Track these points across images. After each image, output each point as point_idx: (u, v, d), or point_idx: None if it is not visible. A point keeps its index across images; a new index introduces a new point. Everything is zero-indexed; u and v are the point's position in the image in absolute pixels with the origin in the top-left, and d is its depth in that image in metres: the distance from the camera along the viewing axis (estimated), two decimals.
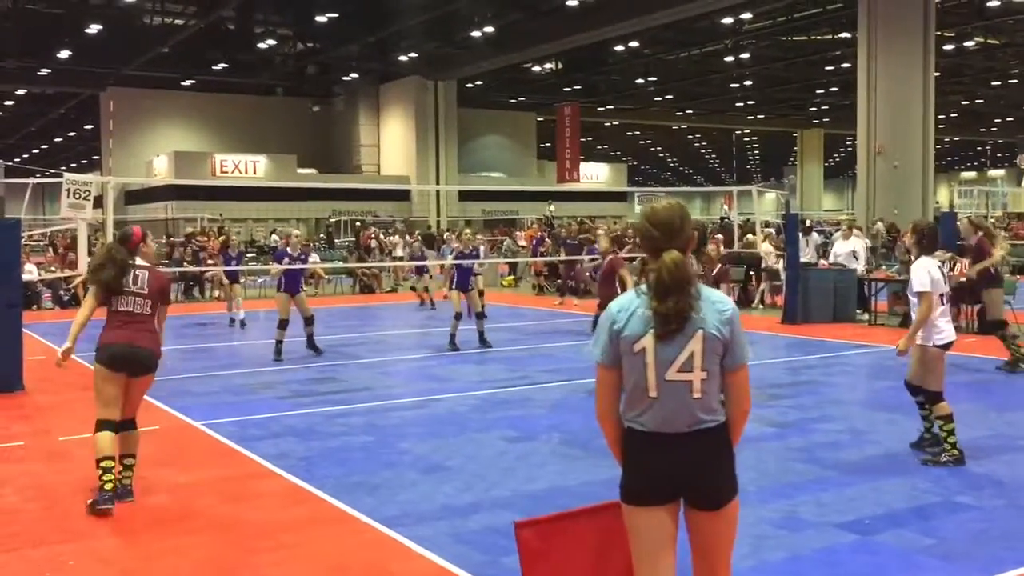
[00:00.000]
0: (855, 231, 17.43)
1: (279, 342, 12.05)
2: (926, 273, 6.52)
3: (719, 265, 16.50)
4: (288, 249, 12.61)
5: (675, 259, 2.94)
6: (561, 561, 3.18)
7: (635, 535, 3.05)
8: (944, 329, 6.60)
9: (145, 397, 6.38)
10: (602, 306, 10.04)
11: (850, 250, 16.26)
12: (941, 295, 6.58)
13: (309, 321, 12.32)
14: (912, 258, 7.04)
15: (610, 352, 3.01)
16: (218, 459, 7.10)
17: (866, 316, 15.47)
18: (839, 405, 8.87)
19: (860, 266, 16.12)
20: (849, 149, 61.25)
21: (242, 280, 18.20)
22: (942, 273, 6.63)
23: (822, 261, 17.93)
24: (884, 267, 17.53)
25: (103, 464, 5.62)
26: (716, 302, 2.99)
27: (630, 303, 3.01)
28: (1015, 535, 5.15)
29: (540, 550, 3.17)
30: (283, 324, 12.08)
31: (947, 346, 6.64)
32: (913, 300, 6.70)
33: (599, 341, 3.05)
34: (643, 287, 3.01)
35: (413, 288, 21.13)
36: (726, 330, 2.96)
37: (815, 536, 5.14)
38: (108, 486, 5.59)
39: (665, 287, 2.92)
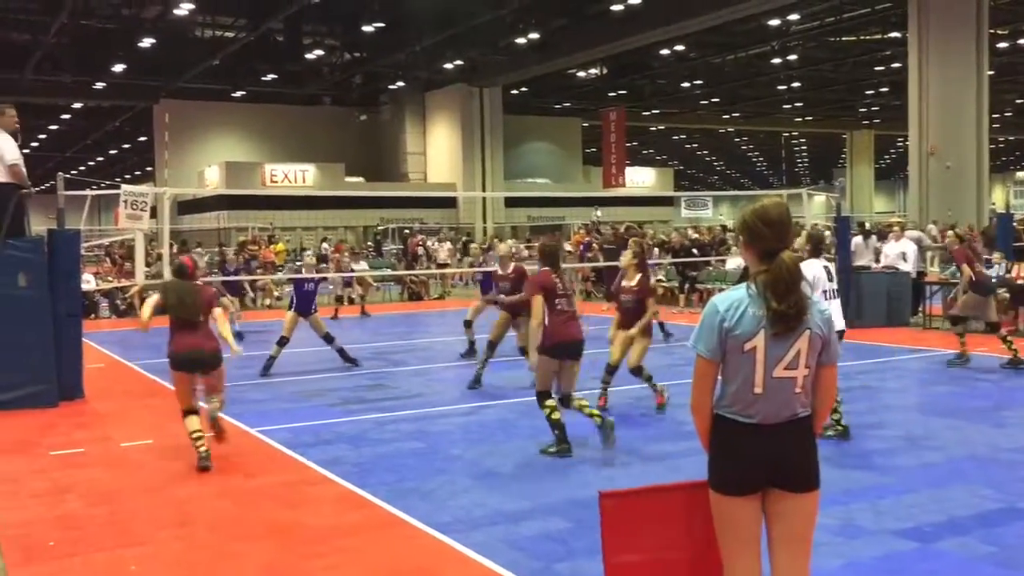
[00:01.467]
0: (906, 232, 17.10)
1: (272, 357, 11.68)
2: (808, 272, 7.18)
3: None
4: (303, 270, 12.59)
5: (793, 259, 3.04)
6: (642, 535, 3.18)
7: (725, 524, 3.09)
8: None
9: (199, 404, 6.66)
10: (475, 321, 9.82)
11: (899, 252, 15.95)
12: (824, 292, 7.28)
13: (328, 340, 12.02)
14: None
15: (717, 349, 3.06)
16: (273, 465, 7.20)
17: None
18: (895, 411, 8.73)
19: (909, 268, 15.78)
20: (900, 150, 60.17)
21: (250, 293, 17.24)
22: (827, 273, 7.44)
23: (874, 264, 17.66)
24: (939, 270, 17.20)
25: (194, 435, 6.95)
26: (816, 303, 3.11)
27: (739, 301, 3.05)
28: None
29: (622, 522, 3.17)
30: (282, 341, 11.74)
31: None
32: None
33: (704, 336, 3.08)
34: (752, 287, 3.05)
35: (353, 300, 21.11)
36: (826, 329, 3.09)
37: (873, 543, 5.08)
38: (203, 450, 6.90)
39: (786, 287, 3.00)
